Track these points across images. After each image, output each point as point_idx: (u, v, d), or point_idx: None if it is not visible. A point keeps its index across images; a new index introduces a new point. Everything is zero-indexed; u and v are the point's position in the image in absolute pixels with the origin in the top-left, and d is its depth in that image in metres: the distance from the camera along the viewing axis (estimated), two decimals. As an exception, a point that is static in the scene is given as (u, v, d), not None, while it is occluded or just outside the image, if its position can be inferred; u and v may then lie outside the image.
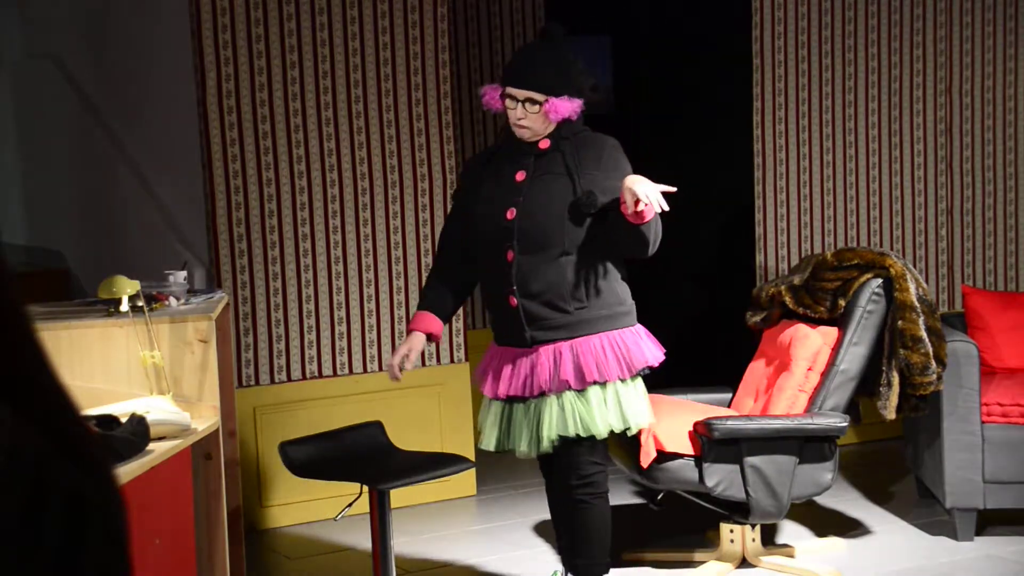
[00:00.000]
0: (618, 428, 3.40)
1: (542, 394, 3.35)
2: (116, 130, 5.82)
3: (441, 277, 3.53)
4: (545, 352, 3.36)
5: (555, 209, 3.34)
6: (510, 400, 3.43)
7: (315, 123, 4.94)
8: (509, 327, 3.40)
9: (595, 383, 3.34)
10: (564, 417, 3.34)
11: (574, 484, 3.46)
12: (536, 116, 3.35)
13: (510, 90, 3.36)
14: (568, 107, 3.34)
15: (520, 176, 3.39)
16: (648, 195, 3.20)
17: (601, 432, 3.38)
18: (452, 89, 5.31)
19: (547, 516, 4.03)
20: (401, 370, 3.46)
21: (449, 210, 3.70)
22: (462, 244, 3.50)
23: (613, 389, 3.37)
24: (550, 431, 3.35)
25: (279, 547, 4.62)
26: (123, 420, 2.88)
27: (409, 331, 3.52)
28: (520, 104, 3.34)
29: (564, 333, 3.36)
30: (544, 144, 3.39)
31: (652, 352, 3.44)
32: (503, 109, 3.38)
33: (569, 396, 3.34)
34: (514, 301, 3.36)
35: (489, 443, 3.46)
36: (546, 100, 3.33)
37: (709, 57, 6.37)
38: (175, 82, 5.07)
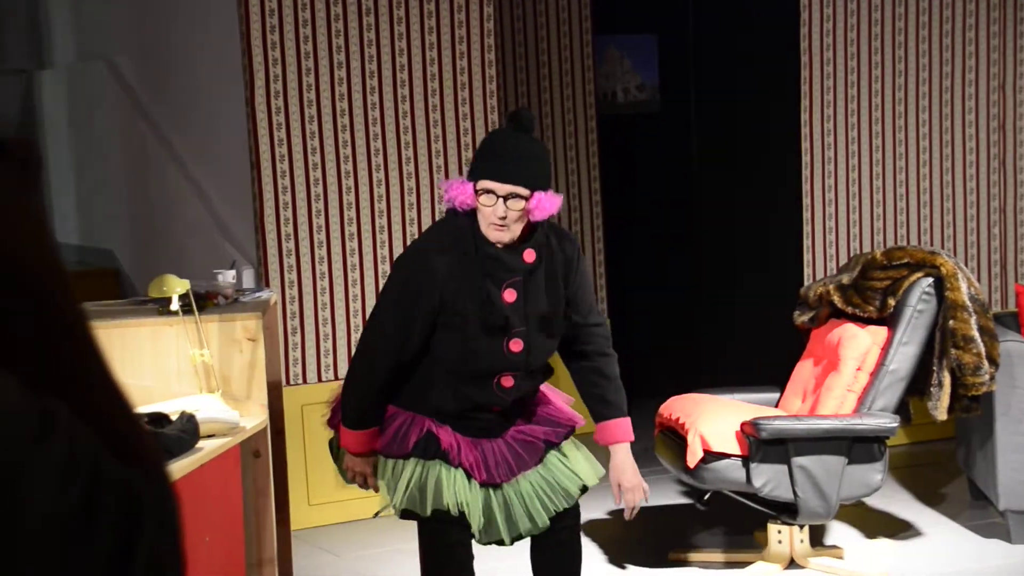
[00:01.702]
0: (594, 479, 3.20)
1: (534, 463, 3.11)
2: (166, 131, 5.88)
3: (381, 398, 3.06)
4: (519, 427, 3.15)
5: (554, 337, 3.10)
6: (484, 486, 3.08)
7: (362, 124, 4.96)
8: (481, 426, 3.09)
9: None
10: (569, 474, 3.13)
11: (569, 525, 3.20)
12: (517, 215, 2.92)
13: (489, 184, 2.91)
14: (554, 204, 2.96)
15: (510, 297, 2.98)
16: (636, 505, 3.15)
17: (591, 480, 3.18)
18: (498, 89, 5.31)
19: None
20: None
21: (393, 314, 3.00)
22: (409, 353, 3.01)
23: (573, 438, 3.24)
24: (558, 499, 3.10)
25: (327, 545, 4.64)
26: (173, 418, 2.91)
27: (362, 452, 3.06)
28: (501, 200, 2.91)
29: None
30: (530, 257, 2.99)
31: None
32: (474, 205, 2.95)
33: (554, 456, 3.15)
34: (498, 409, 3.09)
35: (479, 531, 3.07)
36: (531, 195, 2.93)
37: (756, 55, 6.33)
38: (224, 83, 5.11)
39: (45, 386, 0.71)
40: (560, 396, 3.29)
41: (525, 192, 2.93)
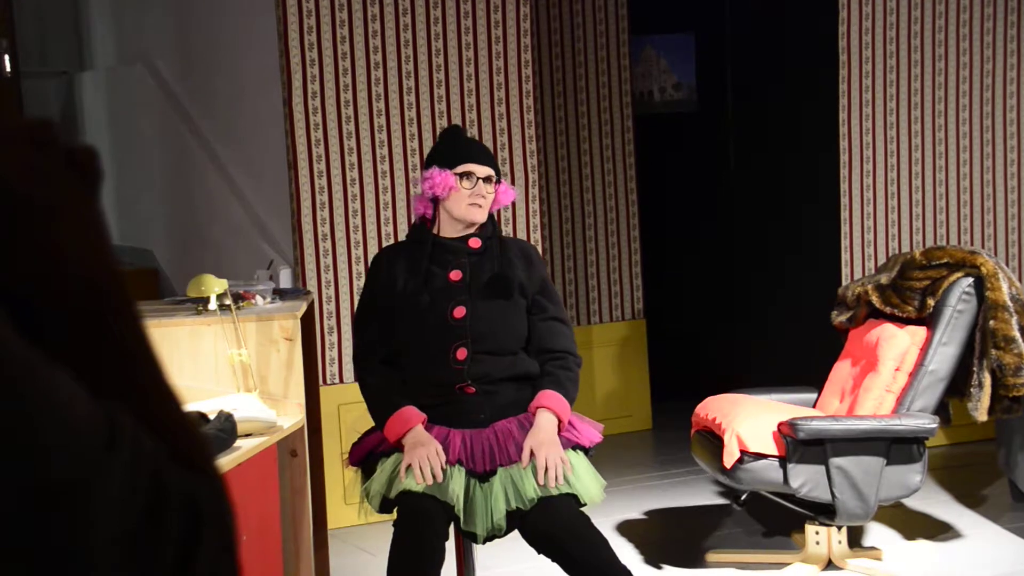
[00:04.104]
0: (597, 493, 3.19)
1: (511, 462, 3.14)
2: (205, 132, 5.92)
3: (392, 376, 3.27)
4: (508, 422, 3.22)
5: (506, 313, 3.25)
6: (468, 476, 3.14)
7: (398, 124, 4.98)
8: (465, 411, 3.22)
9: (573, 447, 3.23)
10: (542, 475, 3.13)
11: (572, 515, 3.15)
12: (490, 198, 3.28)
13: (470, 167, 3.26)
14: (512, 194, 3.34)
15: (456, 276, 3.27)
16: (553, 466, 3.10)
17: (583, 490, 3.16)
18: (534, 89, 5.31)
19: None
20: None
21: (363, 306, 3.36)
22: (389, 343, 3.29)
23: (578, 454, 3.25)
24: (534, 490, 3.10)
25: (364, 544, 4.66)
26: (211, 417, 2.93)
27: (405, 431, 3.14)
28: (481, 181, 3.26)
29: (522, 409, 3.26)
30: (475, 244, 3.30)
31: None
32: (451, 191, 3.24)
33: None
34: (472, 390, 3.23)
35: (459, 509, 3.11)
36: (499, 183, 3.31)
37: (794, 54, 6.29)
38: (262, 84, 5.14)
39: (104, 391, 0.71)
40: (586, 422, 3.33)
41: (496, 178, 3.30)
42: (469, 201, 3.25)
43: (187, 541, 0.70)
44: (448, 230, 3.32)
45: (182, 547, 0.69)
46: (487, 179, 3.27)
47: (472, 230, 3.31)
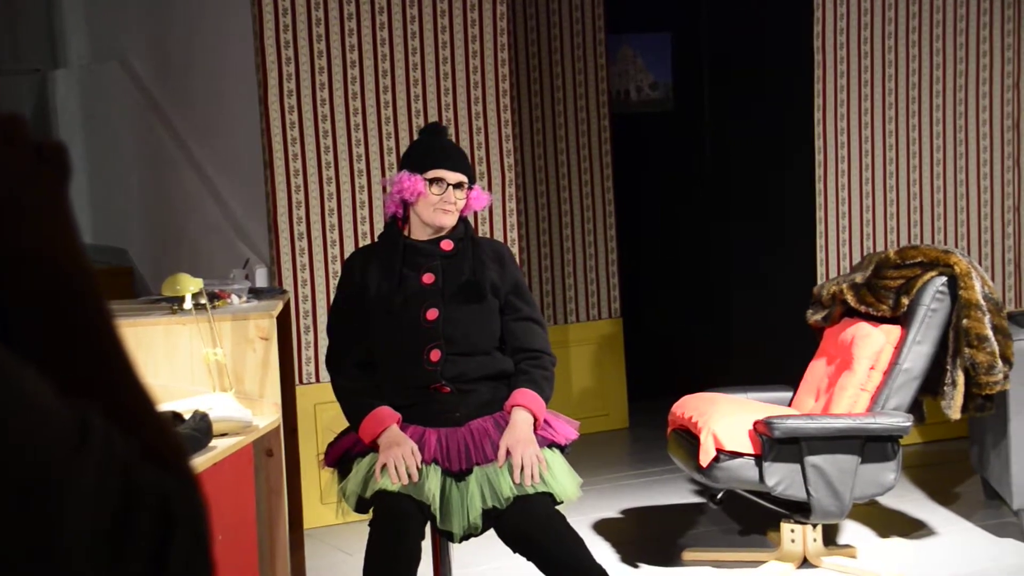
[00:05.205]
0: (571, 491, 3.20)
1: (487, 461, 3.14)
2: (180, 130, 5.90)
3: (366, 379, 3.28)
4: (484, 421, 3.22)
5: (479, 315, 3.26)
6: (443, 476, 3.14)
7: (375, 123, 4.97)
8: (436, 410, 3.23)
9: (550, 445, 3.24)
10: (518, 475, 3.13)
11: (549, 514, 3.15)
12: (462, 203, 3.27)
13: (441, 173, 3.24)
14: (486, 199, 3.31)
15: (428, 279, 3.26)
16: (529, 465, 3.10)
17: (560, 488, 3.16)
18: (511, 88, 5.31)
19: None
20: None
21: (336, 309, 3.37)
22: (363, 345, 3.29)
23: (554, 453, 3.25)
24: (511, 490, 3.10)
25: (340, 543, 4.65)
26: (186, 417, 2.92)
27: (380, 431, 3.14)
28: (451, 188, 3.24)
29: (497, 407, 3.27)
30: (447, 246, 3.29)
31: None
32: (420, 196, 3.24)
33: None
34: (447, 390, 3.23)
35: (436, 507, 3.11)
36: (472, 188, 3.28)
37: (770, 54, 6.32)
38: (237, 83, 5.13)
39: (76, 389, 0.70)
40: (562, 419, 3.34)
41: (468, 183, 3.28)
42: (437, 207, 3.25)
43: (160, 541, 0.69)
44: (419, 232, 3.32)
45: (155, 547, 0.69)
46: (458, 185, 3.26)
47: (444, 232, 3.31)
